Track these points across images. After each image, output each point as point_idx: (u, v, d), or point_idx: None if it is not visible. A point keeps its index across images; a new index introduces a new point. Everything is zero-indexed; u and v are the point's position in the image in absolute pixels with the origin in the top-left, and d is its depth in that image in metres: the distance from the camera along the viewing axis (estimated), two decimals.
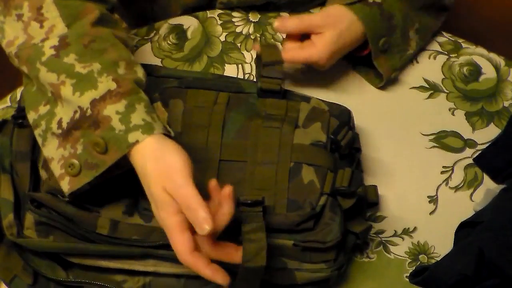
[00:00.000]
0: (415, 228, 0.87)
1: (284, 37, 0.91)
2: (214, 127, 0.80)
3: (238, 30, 0.98)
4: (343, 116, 0.84)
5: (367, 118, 0.93)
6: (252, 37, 0.97)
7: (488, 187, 0.87)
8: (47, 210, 0.74)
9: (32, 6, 0.75)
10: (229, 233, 0.70)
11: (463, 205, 0.89)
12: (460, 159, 0.92)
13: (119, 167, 0.71)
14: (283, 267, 0.77)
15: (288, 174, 0.78)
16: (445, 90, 0.97)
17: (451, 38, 1.01)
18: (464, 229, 0.81)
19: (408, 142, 0.93)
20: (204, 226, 0.64)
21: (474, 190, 0.90)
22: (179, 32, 0.97)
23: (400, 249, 0.86)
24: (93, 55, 0.72)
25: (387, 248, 0.86)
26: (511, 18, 1.82)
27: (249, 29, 0.98)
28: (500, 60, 1.00)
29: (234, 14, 0.99)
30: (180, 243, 0.66)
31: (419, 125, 0.94)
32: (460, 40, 1.02)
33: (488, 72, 0.99)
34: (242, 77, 0.94)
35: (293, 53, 0.87)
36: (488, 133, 0.94)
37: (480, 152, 0.85)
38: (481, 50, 1.01)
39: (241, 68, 0.95)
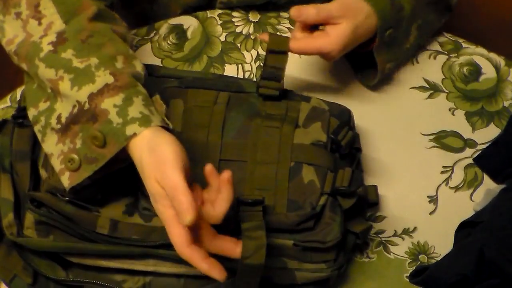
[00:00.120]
0: (415, 228, 0.87)
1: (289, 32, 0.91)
2: (214, 126, 0.80)
3: (238, 30, 0.98)
4: (344, 116, 0.84)
5: (367, 118, 0.93)
6: (252, 37, 0.97)
7: (488, 187, 0.87)
8: (47, 210, 0.74)
9: (29, 4, 0.75)
10: (230, 234, 0.70)
11: (463, 205, 0.89)
12: (460, 159, 0.92)
13: (120, 161, 0.71)
14: (283, 267, 0.77)
15: (288, 174, 0.78)
16: (445, 90, 0.97)
17: (451, 38, 1.01)
18: (464, 229, 0.81)
19: (408, 142, 0.93)
20: (185, 216, 0.63)
21: (474, 190, 0.90)
22: (179, 32, 0.97)
23: (400, 249, 0.86)
24: (91, 50, 0.73)
25: (387, 248, 0.86)
26: (511, 18, 1.82)
27: (249, 29, 0.98)
28: (500, 60, 1.00)
29: (234, 14, 0.99)
30: (176, 235, 0.66)
31: (419, 125, 0.94)
32: (460, 40, 1.02)
33: (488, 72, 0.99)
34: (242, 77, 0.94)
35: (304, 42, 0.83)
36: (488, 133, 0.94)
37: (480, 152, 0.85)
38: (481, 50, 1.01)
39: (241, 68, 0.95)
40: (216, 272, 0.66)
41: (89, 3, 0.76)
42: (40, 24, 0.74)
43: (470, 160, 0.92)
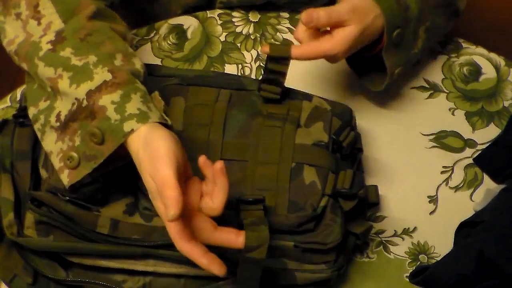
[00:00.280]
0: (415, 228, 0.87)
1: (285, 36, 0.91)
2: (216, 125, 0.80)
3: (238, 30, 0.98)
4: (345, 115, 0.84)
5: (367, 118, 0.93)
6: (252, 37, 0.97)
7: (488, 187, 0.87)
8: (48, 209, 0.74)
9: (29, 4, 0.75)
10: None
11: (463, 205, 0.89)
12: (460, 159, 0.92)
13: (121, 159, 0.71)
14: (283, 268, 0.76)
15: (290, 174, 0.78)
16: (445, 90, 0.97)
17: (451, 38, 1.01)
18: (464, 229, 0.81)
19: (408, 142, 0.93)
20: (169, 211, 0.62)
21: (474, 190, 0.90)
22: (179, 32, 0.97)
23: (400, 249, 0.86)
24: (89, 48, 0.73)
25: (387, 248, 0.86)
26: (511, 18, 1.82)
27: (249, 29, 0.98)
28: (500, 60, 1.00)
29: (234, 14, 0.99)
30: (174, 231, 0.66)
31: (419, 125, 0.94)
32: (460, 40, 1.02)
33: (488, 72, 0.99)
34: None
35: (308, 47, 0.80)
36: (488, 133, 0.94)
37: (480, 152, 0.85)
38: (481, 50, 1.01)
39: (241, 68, 0.95)
40: (216, 267, 0.66)
41: (88, 2, 0.76)
42: (39, 24, 0.75)
43: (470, 160, 0.91)
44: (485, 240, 0.73)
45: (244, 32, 0.98)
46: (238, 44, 0.97)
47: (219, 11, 0.99)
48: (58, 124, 0.71)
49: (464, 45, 1.01)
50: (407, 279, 0.78)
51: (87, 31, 0.74)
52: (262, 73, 0.81)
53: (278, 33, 0.98)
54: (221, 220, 0.71)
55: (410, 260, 0.85)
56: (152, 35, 0.96)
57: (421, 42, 0.90)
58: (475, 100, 0.97)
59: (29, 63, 0.74)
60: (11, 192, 0.76)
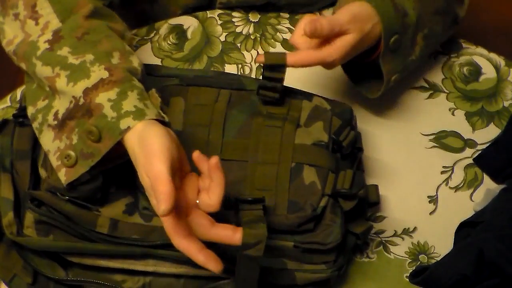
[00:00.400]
0: (415, 228, 0.87)
1: (284, 37, 0.91)
2: (215, 125, 0.80)
3: (238, 30, 0.98)
4: (346, 115, 0.84)
5: (367, 118, 0.93)
6: (252, 37, 0.97)
7: (488, 187, 0.87)
8: (47, 209, 0.74)
9: (26, 4, 0.76)
10: None
11: (463, 205, 0.89)
12: (460, 159, 0.92)
13: (120, 157, 0.71)
14: (283, 268, 0.76)
15: (289, 174, 0.78)
16: (445, 90, 0.97)
17: (451, 38, 1.01)
18: (464, 229, 0.81)
19: (408, 142, 0.93)
20: (160, 205, 0.62)
21: (474, 190, 0.90)
22: (179, 32, 0.97)
23: (400, 249, 0.86)
24: (87, 47, 0.73)
25: (387, 248, 0.86)
26: (511, 19, 1.82)
27: (249, 29, 0.98)
28: (500, 60, 1.00)
29: (234, 14, 0.99)
30: (169, 226, 0.66)
31: (419, 125, 0.94)
32: (460, 40, 1.02)
33: (488, 72, 0.99)
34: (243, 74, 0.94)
35: (305, 55, 0.79)
36: (488, 133, 0.94)
37: (480, 152, 0.85)
38: (481, 50, 1.01)
39: (241, 68, 0.95)
40: (213, 264, 0.66)
41: (85, 2, 0.76)
42: (37, 24, 0.75)
43: (470, 160, 0.91)
44: (485, 240, 0.73)
45: (244, 32, 0.98)
46: (238, 44, 0.97)
47: (219, 11, 0.99)
48: (55, 122, 0.71)
49: (464, 45, 1.01)
50: (407, 279, 0.78)
51: (84, 30, 0.74)
52: (262, 73, 0.81)
53: (278, 33, 0.98)
54: (221, 219, 0.71)
55: (410, 260, 0.85)
56: (152, 35, 0.96)
57: (419, 49, 0.90)
58: (475, 100, 0.97)
59: (27, 62, 0.74)
60: (11, 192, 0.76)
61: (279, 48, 0.97)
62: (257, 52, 0.96)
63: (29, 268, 0.76)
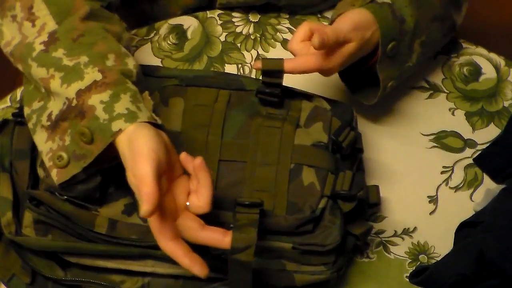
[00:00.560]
0: (415, 228, 0.87)
1: (284, 36, 0.91)
2: (215, 126, 0.80)
3: (238, 30, 0.98)
4: (346, 115, 0.83)
5: (366, 117, 0.93)
6: (252, 37, 0.97)
7: (488, 187, 0.86)
8: (46, 209, 0.74)
9: (23, 6, 0.76)
10: None
11: (463, 205, 0.89)
12: (460, 159, 0.92)
13: (115, 158, 0.71)
14: (282, 269, 0.76)
15: (288, 175, 0.77)
16: (445, 90, 0.97)
17: (451, 38, 1.01)
18: (464, 229, 0.80)
19: (408, 142, 0.93)
20: (142, 206, 0.62)
21: (474, 190, 0.90)
22: (179, 32, 0.97)
23: (400, 249, 0.86)
24: (82, 49, 0.73)
25: (387, 248, 0.86)
26: (511, 19, 1.82)
27: (249, 29, 0.98)
28: (500, 60, 1.00)
29: (234, 14, 0.99)
30: (156, 229, 0.66)
31: (419, 125, 0.94)
32: (460, 40, 1.01)
33: (488, 72, 0.99)
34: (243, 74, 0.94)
35: (303, 61, 0.79)
36: (488, 133, 0.94)
37: (480, 152, 0.84)
38: (481, 50, 1.01)
39: (241, 68, 0.95)
40: (197, 267, 0.65)
41: (81, 3, 0.76)
42: (33, 25, 0.75)
43: (470, 160, 0.91)
44: (485, 240, 0.73)
45: (244, 32, 0.98)
46: (238, 44, 0.97)
47: (219, 11, 0.99)
48: (49, 123, 0.71)
49: (464, 45, 1.01)
50: (407, 279, 0.78)
51: (80, 32, 0.74)
52: (262, 73, 0.81)
53: (278, 33, 0.98)
54: (219, 221, 0.71)
55: (410, 260, 0.85)
56: (152, 35, 0.96)
57: (416, 56, 0.90)
58: (475, 100, 0.97)
59: (24, 64, 0.74)
60: (10, 191, 0.76)
61: (279, 48, 0.97)
62: (257, 52, 0.96)
63: (27, 268, 0.76)
